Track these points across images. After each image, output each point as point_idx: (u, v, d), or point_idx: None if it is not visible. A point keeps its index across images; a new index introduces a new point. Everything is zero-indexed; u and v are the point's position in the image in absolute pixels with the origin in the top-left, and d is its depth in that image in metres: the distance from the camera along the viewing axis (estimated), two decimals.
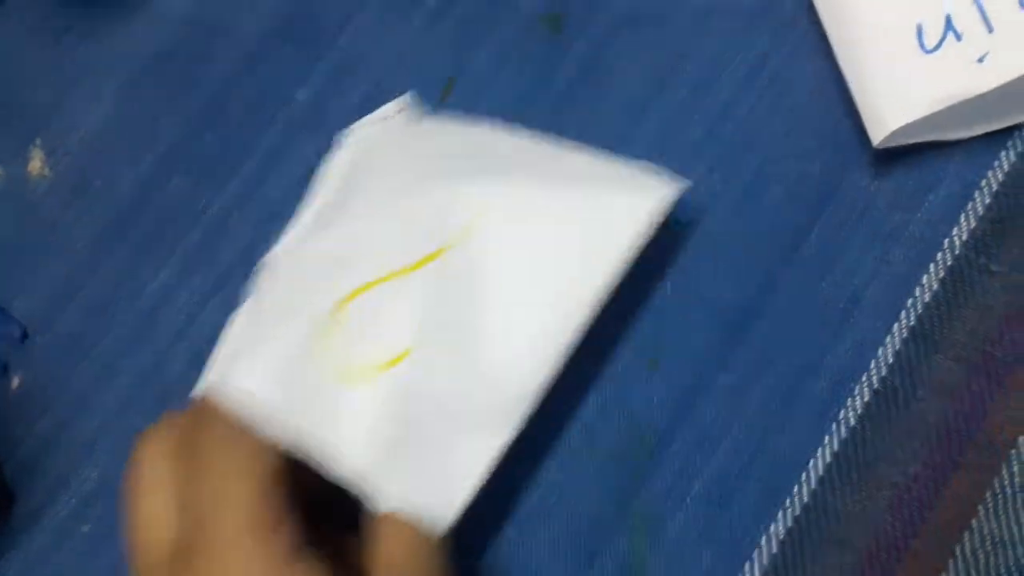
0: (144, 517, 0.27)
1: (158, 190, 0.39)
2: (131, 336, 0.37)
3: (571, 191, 0.32)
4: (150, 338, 0.37)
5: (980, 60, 0.33)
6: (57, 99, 0.42)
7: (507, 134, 0.36)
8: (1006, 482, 0.31)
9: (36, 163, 0.41)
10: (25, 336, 0.38)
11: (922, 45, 0.34)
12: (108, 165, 0.40)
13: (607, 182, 0.33)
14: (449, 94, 0.39)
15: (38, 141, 0.41)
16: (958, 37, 0.34)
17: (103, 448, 0.36)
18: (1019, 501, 0.31)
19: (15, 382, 0.37)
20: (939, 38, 0.34)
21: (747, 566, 0.31)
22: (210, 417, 0.28)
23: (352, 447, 0.29)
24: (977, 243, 0.34)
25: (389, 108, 0.38)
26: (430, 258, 0.32)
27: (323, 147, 0.38)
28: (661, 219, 0.32)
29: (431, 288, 0.31)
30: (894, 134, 0.33)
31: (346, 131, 0.38)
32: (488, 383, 0.30)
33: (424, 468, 0.30)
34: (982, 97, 0.33)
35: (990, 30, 0.33)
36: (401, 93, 0.39)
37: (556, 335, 0.31)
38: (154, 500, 0.27)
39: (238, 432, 0.27)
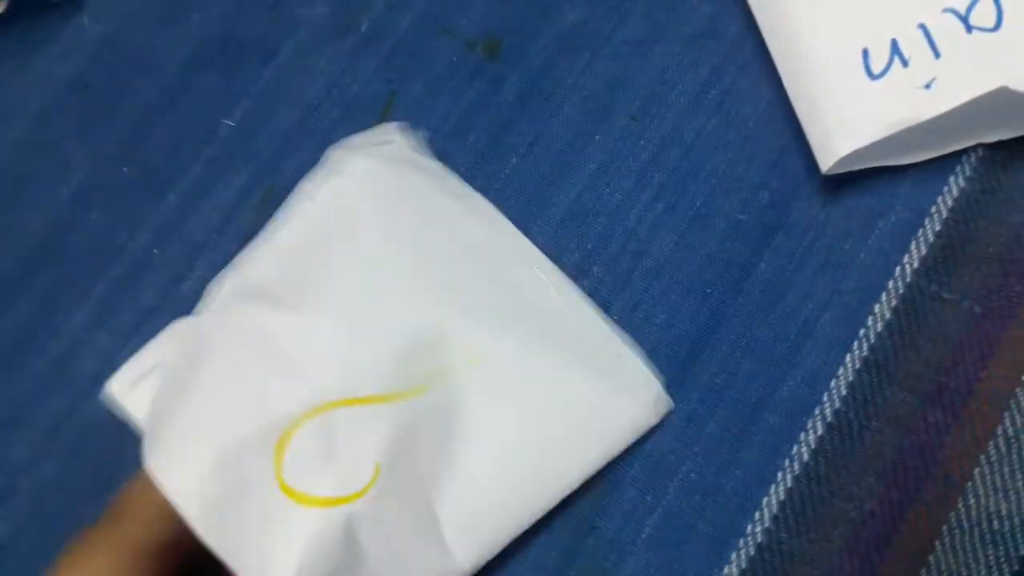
0: None
1: (74, 225, 0.37)
2: (44, 382, 0.35)
3: (568, 371, 0.31)
4: (65, 384, 0.35)
5: (927, 86, 0.33)
6: None
7: (510, 234, 0.33)
8: (963, 516, 0.31)
9: None
10: None
11: (868, 70, 0.34)
12: (20, 197, 0.38)
13: (606, 375, 0.32)
14: (385, 119, 0.37)
15: None
16: (905, 63, 0.33)
17: (14, 503, 0.34)
18: (976, 535, 0.30)
19: None
20: (886, 63, 0.33)
21: None
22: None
23: (289, 567, 0.27)
24: (928, 270, 0.33)
25: (385, 130, 0.35)
26: (408, 394, 0.30)
27: (252, 178, 0.37)
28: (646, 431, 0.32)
29: (404, 428, 0.29)
30: (842, 160, 0.33)
31: (338, 146, 0.34)
32: (427, 552, 0.29)
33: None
34: (930, 123, 0.33)
35: (937, 55, 0.33)
36: (335, 120, 0.37)
37: (520, 515, 0.30)
38: None
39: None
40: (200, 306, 0.31)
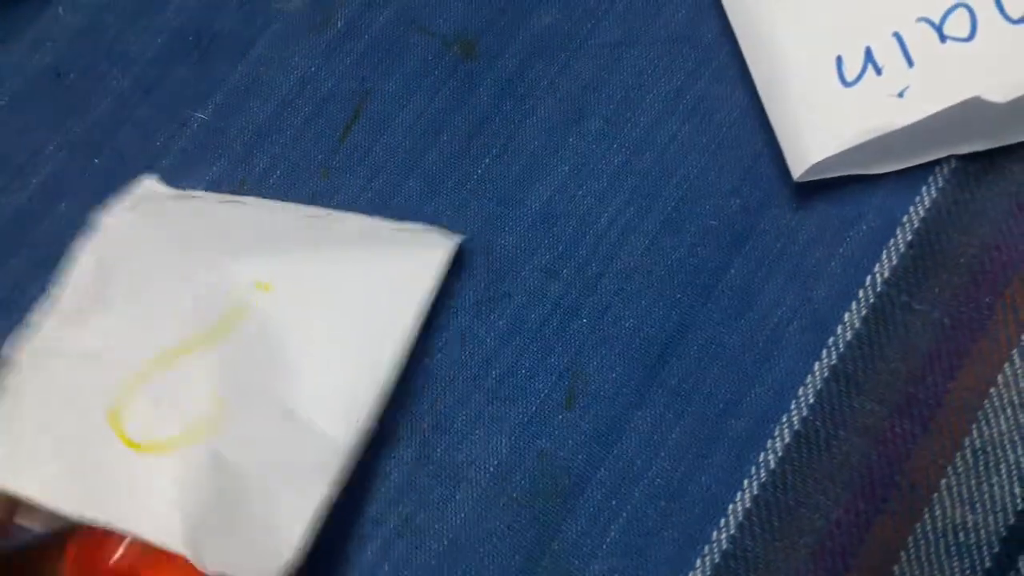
0: None
1: (41, 217, 0.37)
2: None
3: (353, 255, 0.34)
4: None
5: (900, 94, 0.33)
6: None
7: (270, 208, 0.36)
8: (928, 527, 0.31)
9: None
10: None
11: (842, 78, 0.34)
12: None
13: (388, 244, 0.34)
14: (359, 117, 0.37)
15: None
16: (878, 71, 0.33)
17: None
18: (942, 547, 0.30)
19: None
20: (859, 71, 0.34)
21: None
22: None
23: (163, 516, 0.30)
24: (899, 280, 0.34)
25: (140, 190, 0.37)
26: (222, 329, 0.32)
27: (223, 172, 0.37)
28: (445, 270, 0.34)
29: (229, 361, 0.32)
30: (814, 167, 0.33)
31: (100, 209, 0.36)
32: (299, 442, 0.31)
33: (245, 530, 0.30)
34: (902, 131, 0.33)
35: (910, 64, 0.33)
36: (308, 116, 0.37)
37: (363, 388, 0.32)
38: None
39: None
40: None
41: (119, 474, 0.31)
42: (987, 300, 0.33)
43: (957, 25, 0.33)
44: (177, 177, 0.37)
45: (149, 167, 0.37)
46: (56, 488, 0.31)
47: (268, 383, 0.32)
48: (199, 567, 0.29)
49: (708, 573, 0.31)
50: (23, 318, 0.35)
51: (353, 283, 0.33)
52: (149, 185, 0.37)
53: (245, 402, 0.32)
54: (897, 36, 0.34)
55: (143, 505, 0.30)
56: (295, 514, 0.30)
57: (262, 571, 0.29)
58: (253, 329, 0.33)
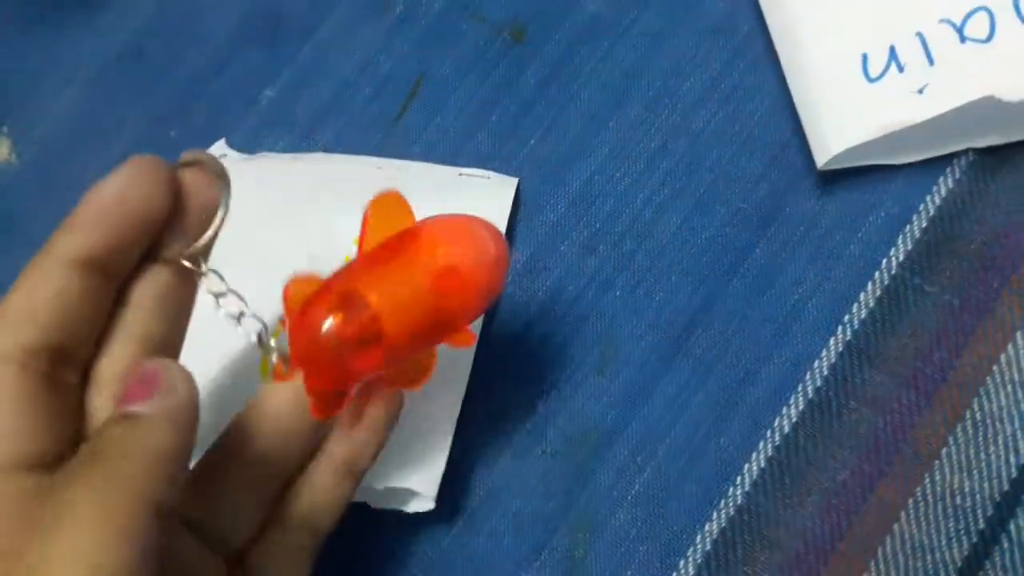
0: None
1: None
2: None
3: (428, 203, 0.35)
4: None
5: (920, 91, 0.36)
6: (26, 88, 0.43)
7: (340, 160, 0.40)
8: (928, 491, 0.34)
9: (3, 150, 0.43)
10: None
11: (866, 74, 0.37)
12: (74, 156, 0.42)
13: (457, 190, 0.38)
14: (415, 97, 0.41)
15: (5, 129, 0.43)
16: (900, 68, 0.37)
17: None
18: (939, 509, 0.34)
19: None
20: (882, 68, 0.37)
21: (681, 563, 0.34)
22: None
23: None
24: (913, 264, 0.37)
25: (218, 147, 0.41)
26: None
27: (289, 147, 0.41)
28: (509, 210, 0.38)
29: None
30: (836, 157, 0.36)
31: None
32: None
33: (399, 447, 0.33)
34: (920, 126, 0.36)
35: (931, 63, 0.36)
36: (369, 96, 0.41)
37: None
38: None
39: None
40: None
41: None
42: (995, 284, 0.36)
43: (977, 27, 0.36)
44: (246, 151, 0.41)
45: (221, 138, 0.41)
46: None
47: None
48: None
49: (723, 524, 0.34)
50: None
51: None
52: (220, 147, 0.41)
53: None
54: (920, 36, 0.37)
55: None
56: (440, 423, 0.34)
57: (423, 480, 0.33)
58: None
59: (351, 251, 0.36)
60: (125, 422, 0.22)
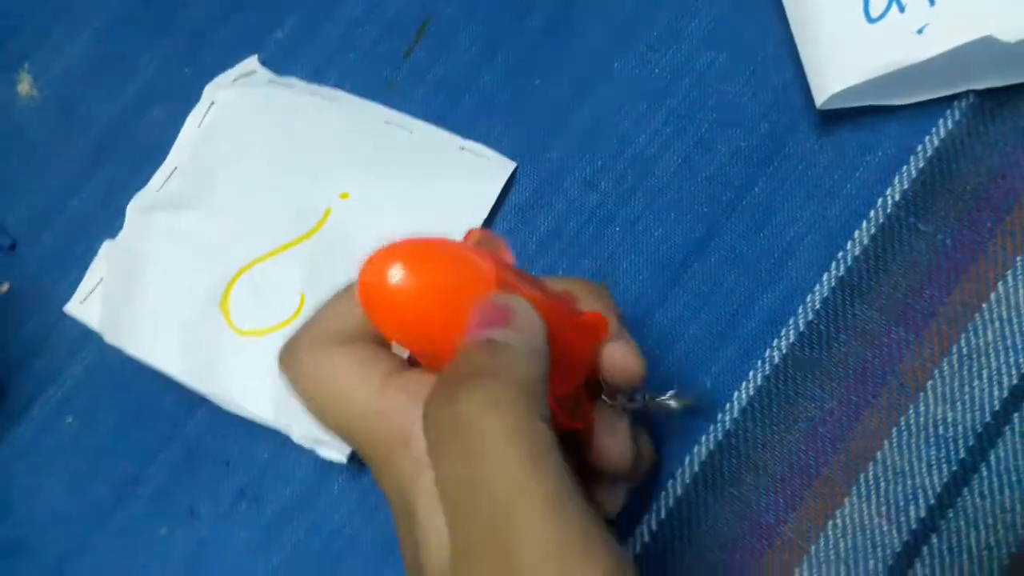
0: None
1: (139, 118, 0.44)
2: None
3: (422, 173, 0.40)
4: None
5: (919, 31, 0.37)
6: (46, 27, 0.46)
7: (353, 107, 0.42)
8: (912, 421, 0.36)
9: (25, 85, 0.45)
10: (13, 246, 0.42)
11: (867, 14, 0.38)
12: (92, 91, 0.45)
13: (453, 167, 0.40)
14: (422, 36, 0.43)
15: (26, 65, 0.46)
16: (901, 8, 0.38)
17: (86, 350, 0.41)
18: (922, 438, 0.36)
19: (4, 288, 0.42)
20: (884, 8, 0.38)
21: (670, 484, 0.36)
22: None
23: (257, 392, 0.37)
24: (908, 203, 0.38)
25: (241, 68, 0.44)
26: (306, 236, 0.39)
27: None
28: (499, 194, 0.40)
29: (311, 260, 0.39)
30: (835, 96, 0.38)
31: (212, 84, 0.43)
32: None
33: None
34: (919, 66, 0.37)
35: (931, 3, 0.38)
36: (375, 37, 0.43)
37: None
38: None
39: None
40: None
41: (227, 354, 0.38)
42: (988, 225, 0.38)
43: None
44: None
45: None
46: (176, 361, 0.38)
47: (340, 282, 0.38)
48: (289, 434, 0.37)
49: (711, 448, 0.37)
50: (122, 208, 0.42)
51: (420, 200, 0.39)
52: (251, 63, 0.44)
53: (321, 297, 0.38)
54: None
55: (244, 381, 0.38)
56: None
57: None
58: (331, 233, 0.39)
59: (334, 204, 0.39)
60: (490, 346, 0.24)
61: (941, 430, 0.36)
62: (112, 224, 0.42)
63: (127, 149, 0.44)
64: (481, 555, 0.21)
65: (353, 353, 0.26)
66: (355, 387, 0.26)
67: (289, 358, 0.27)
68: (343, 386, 0.26)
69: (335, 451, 0.37)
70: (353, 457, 0.37)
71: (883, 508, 0.35)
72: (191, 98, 0.43)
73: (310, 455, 0.38)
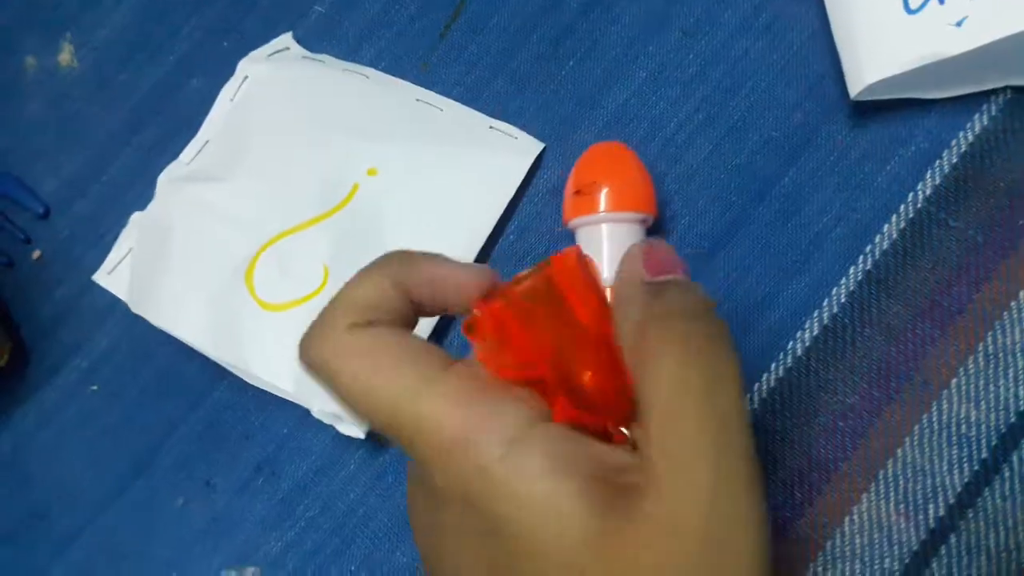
0: None
1: (176, 89, 0.45)
2: None
3: (450, 151, 0.40)
4: None
5: (958, 24, 0.37)
6: None
7: (385, 84, 0.43)
8: (934, 419, 0.36)
9: (66, 55, 0.46)
10: (47, 213, 0.44)
11: (906, 5, 0.38)
12: (131, 62, 0.46)
13: (481, 145, 0.41)
14: (458, 17, 0.44)
15: (68, 35, 0.47)
16: (941, 0, 0.38)
17: (114, 319, 0.42)
18: (944, 436, 0.36)
19: (36, 254, 0.43)
20: (923, 0, 0.38)
21: None
22: None
23: (280, 363, 0.38)
24: (940, 198, 0.38)
25: (275, 44, 0.44)
26: (333, 210, 0.40)
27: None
28: (525, 173, 0.40)
29: (337, 235, 0.40)
30: (870, 88, 0.38)
31: (247, 59, 0.44)
32: None
33: None
34: (957, 59, 0.37)
35: None
36: (413, 13, 0.44)
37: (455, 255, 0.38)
38: None
39: None
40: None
41: (250, 327, 0.39)
42: (1021, 223, 0.38)
43: None
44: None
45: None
46: (201, 332, 0.39)
47: (365, 257, 0.39)
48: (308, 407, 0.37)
49: None
50: (152, 180, 0.43)
51: (448, 178, 0.40)
52: (285, 39, 0.44)
53: (346, 271, 0.38)
54: None
55: (267, 354, 0.39)
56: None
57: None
58: (358, 208, 0.40)
59: (361, 180, 0.40)
60: (678, 286, 0.24)
61: (964, 429, 0.36)
62: (145, 195, 0.43)
63: (163, 120, 0.45)
64: None
65: (401, 337, 0.25)
66: (407, 378, 0.24)
67: (328, 333, 0.25)
68: (392, 374, 0.24)
69: (354, 427, 0.38)
70: (371, 434, 0.38)
71: (901, 506, 0.35)
72: (228, 71, 0.44)
73: (328, 431, 0.39)
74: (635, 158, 0.37)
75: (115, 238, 0.43)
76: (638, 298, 0.24)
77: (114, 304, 0.42)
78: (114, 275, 0.42)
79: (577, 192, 0.36)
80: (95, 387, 0.41)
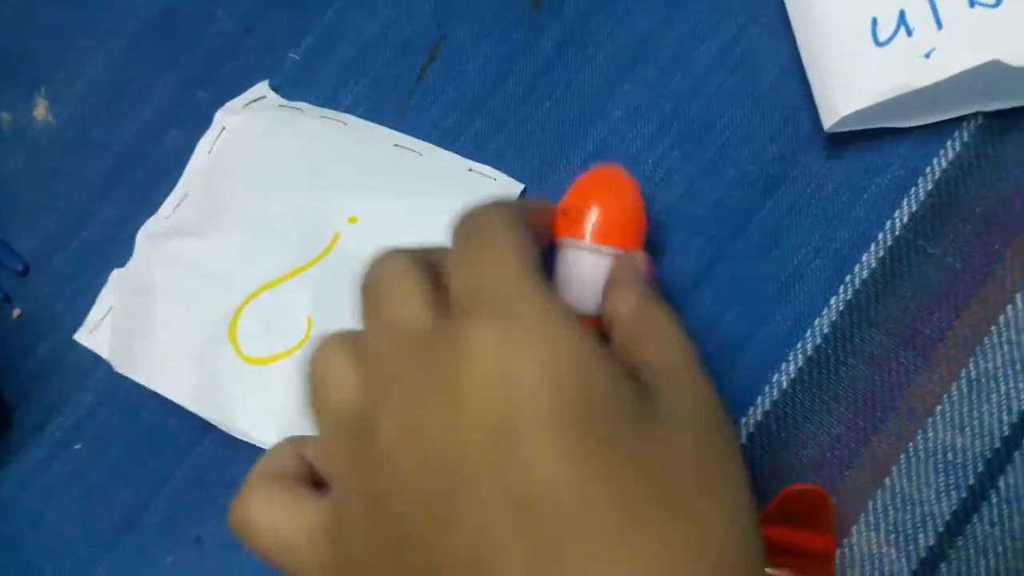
0: None
1: (154, 142, 0.45)
2: None
3: (430, 197, 0.41)
4: None
5: (927, 55, 0.38)
6: (62, 50, 0.47)
7: (363, 131, 0.43)
8: (920, 447, 0.37)
9: (41, 110, 0.47)
10: (27, 270, 0.44)
11: (875, 38, 0.39)
12: (108, 115, 0.46)
13: (461, 189, 0.41)
14: (434, 60, 0.44)
15: (43, 90, 0.47)
16: (909, 32, 0.38)
17: (97, 376, 0.42)
18: (931, 464, 0.36)
19: (16, 312, 0.43)
20: (891, 32, 0.39)
21: None
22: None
23: (263, 417, 0.38)
24: (917, 226, 0.39)
25: (252, 93, 0.45)
26: (314, 261, 0.40)
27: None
28: None
29: (319, 285, 0.40)
30: (844, 120, 0.38)
31: (223, 110, 0.44)
32: None
33: None
34: (926, 89, 0.38)
35: (939, 27, 0.38)
36: (389, 59, 0.44)
37: None
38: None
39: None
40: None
41: (235, 382, 0.39)
42: (997, 248, 0.38)
43: None
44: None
45: None
46: (185, 389, 0.39)
47: (348, 306, 0.39)
48: None
49: None
50: (135, 233, 0.43)
51: (429, 222, 0.40)
52: (262, 88, 0.45)
53: (330, 322, 0.38)
54: (930, 0, 0.38)
55: (252, 410, 0.39)
56: None
57: None
58: (340, 257, 0.40)
59: (342, 229, 0.41)
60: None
61: (950, 456, 0.36)
62: (125, 247, 0.43)
63: (142, 173, 0.45)
64: None
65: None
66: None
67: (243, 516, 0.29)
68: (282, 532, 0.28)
69: None
70: None
71: (892, 536, 0.36)
72: (205, 122, 0.44)
73: None
74: (633, 187, 0.37)
75: (97, 294, 0.43)
76: (637, 283, 0.32)
77: (97, 361, 0.42)
78: (96, 333, 0.42)
79: (564, 214, 0.37)
80: (79, 446, 0.41)
